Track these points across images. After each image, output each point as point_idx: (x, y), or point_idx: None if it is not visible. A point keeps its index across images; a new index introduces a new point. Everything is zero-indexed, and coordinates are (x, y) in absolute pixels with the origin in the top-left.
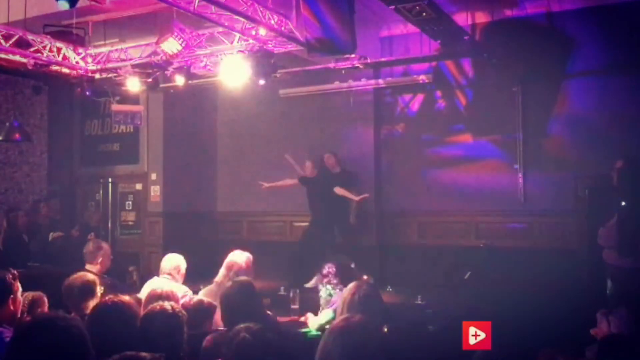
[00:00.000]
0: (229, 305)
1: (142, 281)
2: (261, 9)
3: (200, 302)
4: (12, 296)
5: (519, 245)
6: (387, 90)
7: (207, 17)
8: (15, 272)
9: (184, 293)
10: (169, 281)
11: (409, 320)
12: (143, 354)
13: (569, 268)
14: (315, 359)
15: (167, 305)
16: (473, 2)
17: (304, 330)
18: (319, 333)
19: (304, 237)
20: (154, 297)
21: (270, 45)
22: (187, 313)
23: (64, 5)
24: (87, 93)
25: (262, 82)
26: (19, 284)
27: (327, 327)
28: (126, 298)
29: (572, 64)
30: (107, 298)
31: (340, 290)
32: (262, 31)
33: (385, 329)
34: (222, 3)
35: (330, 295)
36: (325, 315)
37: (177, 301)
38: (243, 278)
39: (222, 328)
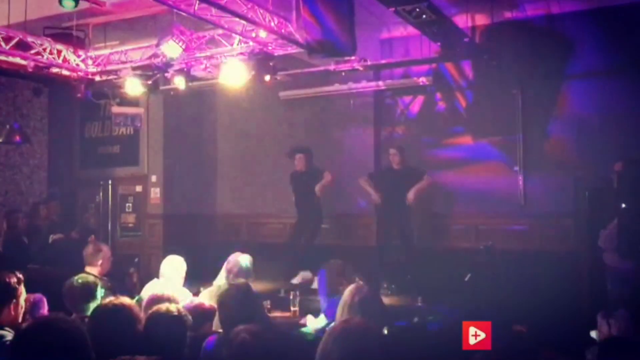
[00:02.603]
0: (226, 308)
1: (142, 283)
2: (261, 11)
3: (201, 304)
4: (14, 300)
5: (520, 248)
6: (387, 92)
7: (207, 19)
8: (21, 276)
9: (184, 295)
10: (169, 283)
11: (409, 323)
12: (139, 358)
13: (569, 270)
14: None
15: (173, 307)
16: (473, 4)
17: (303, 330)
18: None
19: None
20: (155, 299)
21: (270, 48)
22: None
23: (69, 6)
24: (88, 95)
25: (262, 84)
26: (23, 289)
27: (327, 329)
28: (127, 300)
29: (572, 65)
30: (107, 300)
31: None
32: (262, 33)
33: (385, 331)
34: (222, 5)
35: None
36: (321, 320)
37: (177, 303)
38: (240, 280)
39: (221, 330)
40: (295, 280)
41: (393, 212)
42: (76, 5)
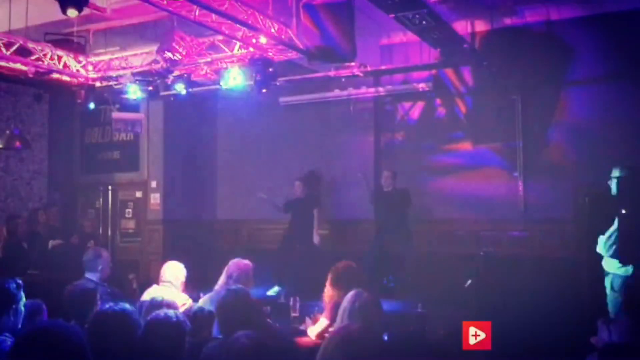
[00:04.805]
0: (225, 314)
1: (142, 289)
2: (261, 17)
3: (201, 310)
4: (14, 306)
5: (519, 253)
6: (387, 98)
7: (208, 25)
8: (20, 281)
9: (183, 301)
10: (168, 289)
11: (410, 329)
12: None
13: (569, 276)
14: None
15: (172, 313)
16: (473, 11)
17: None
18: None
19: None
20: (154, 305)
21: (270, 53)
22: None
23: (73, 14)
24: (88, 101)
25: (262, 90)
26: (23, 295)
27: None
28: (126, 306)
29: (572, 72)
30: (107, 306)
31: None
32: (263, 39)
33: (385, 338)
34: (222, 11)
35: None
36: (321, 323)
37: (177, 309)
38: (238, 286)
39: (220, 336)
40: (270, 292)
41: (390, 232)
42: (79, 11)
